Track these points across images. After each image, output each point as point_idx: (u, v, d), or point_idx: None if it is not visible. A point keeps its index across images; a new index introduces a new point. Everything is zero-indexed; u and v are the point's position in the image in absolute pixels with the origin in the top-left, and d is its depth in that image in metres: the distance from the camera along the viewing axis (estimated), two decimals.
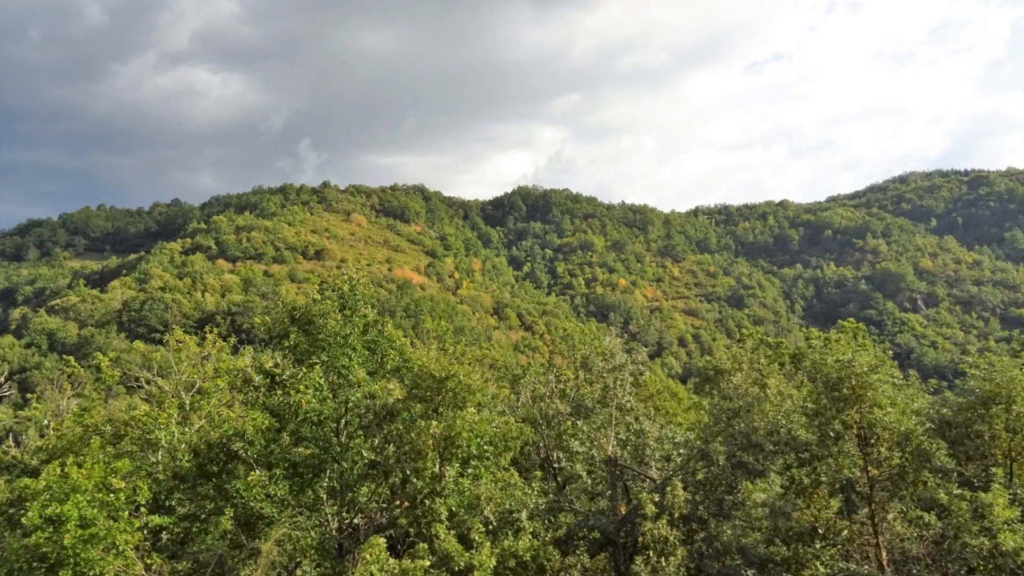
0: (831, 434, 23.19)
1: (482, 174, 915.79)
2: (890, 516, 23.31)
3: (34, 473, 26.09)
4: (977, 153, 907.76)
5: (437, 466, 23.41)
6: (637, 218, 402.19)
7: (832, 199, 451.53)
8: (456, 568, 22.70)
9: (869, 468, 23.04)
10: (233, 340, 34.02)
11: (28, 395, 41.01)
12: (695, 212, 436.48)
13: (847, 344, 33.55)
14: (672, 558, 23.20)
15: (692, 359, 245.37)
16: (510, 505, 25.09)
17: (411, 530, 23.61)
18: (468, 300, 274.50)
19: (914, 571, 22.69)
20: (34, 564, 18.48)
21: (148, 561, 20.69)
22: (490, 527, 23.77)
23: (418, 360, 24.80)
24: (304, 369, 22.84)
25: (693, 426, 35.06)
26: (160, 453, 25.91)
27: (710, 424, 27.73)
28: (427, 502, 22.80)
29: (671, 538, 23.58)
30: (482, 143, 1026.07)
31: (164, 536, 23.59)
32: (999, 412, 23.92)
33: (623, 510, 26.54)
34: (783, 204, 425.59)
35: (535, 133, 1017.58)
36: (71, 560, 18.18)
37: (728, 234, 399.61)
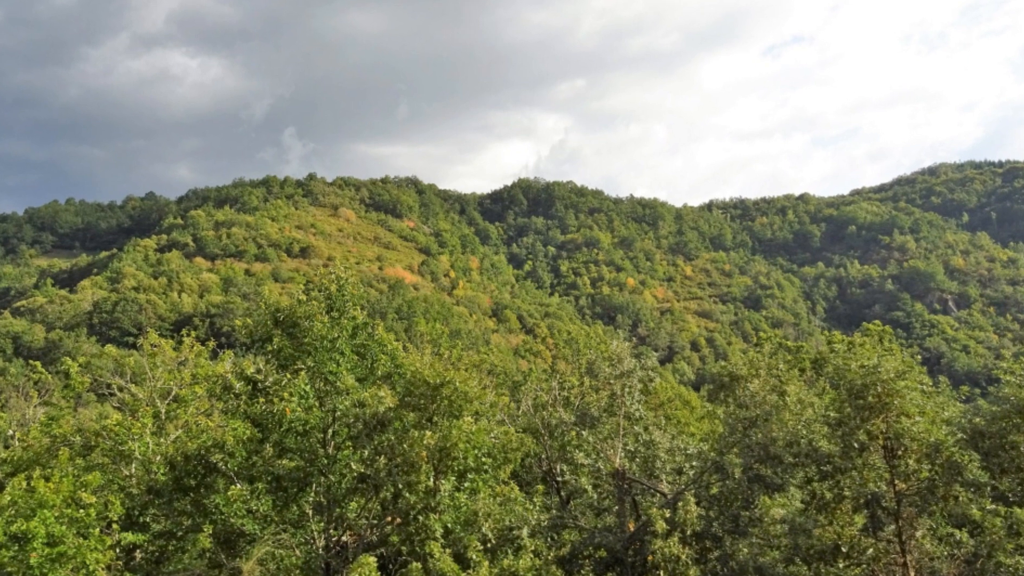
0: (855, 445, 23.20)
1: (480, 165, 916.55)
2: (919, 533, 23.32)
3: None
4: (1013, 142, 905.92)
5: (431, 479, 23.46)
6: (647, 213, 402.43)
7: (856, 192, 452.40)
8: None
9: (896, 482, 23.06)
10: (212, 344, 34.15)
11: None
12: (709, 206, 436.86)
13: (872, 348, 33.64)
14: None
15: (706, 364, 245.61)
16: (510, 521, 25.10)
17: (403, 548, 23.66)
18: (465, 301, 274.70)
19: None
20: None
21: None
22: (488, 545, 23.78)
23: (411, 365, 24.85)
24: (288, 375, 22.89)
25: (707, 436, 35.12)
26: (133, 466, 25.97)
27: (725, 434, 27.75)
28: (420, 518, 22.85)
29: (683, 557, 23.59)
30: (480, 132, 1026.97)
31: (138, 555, 23.66)
32: None
33: (631, 527, 26.56)
34: (804, 198, 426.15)
35: (537, 121, 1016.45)
36: None
37: (744, 230, 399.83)
